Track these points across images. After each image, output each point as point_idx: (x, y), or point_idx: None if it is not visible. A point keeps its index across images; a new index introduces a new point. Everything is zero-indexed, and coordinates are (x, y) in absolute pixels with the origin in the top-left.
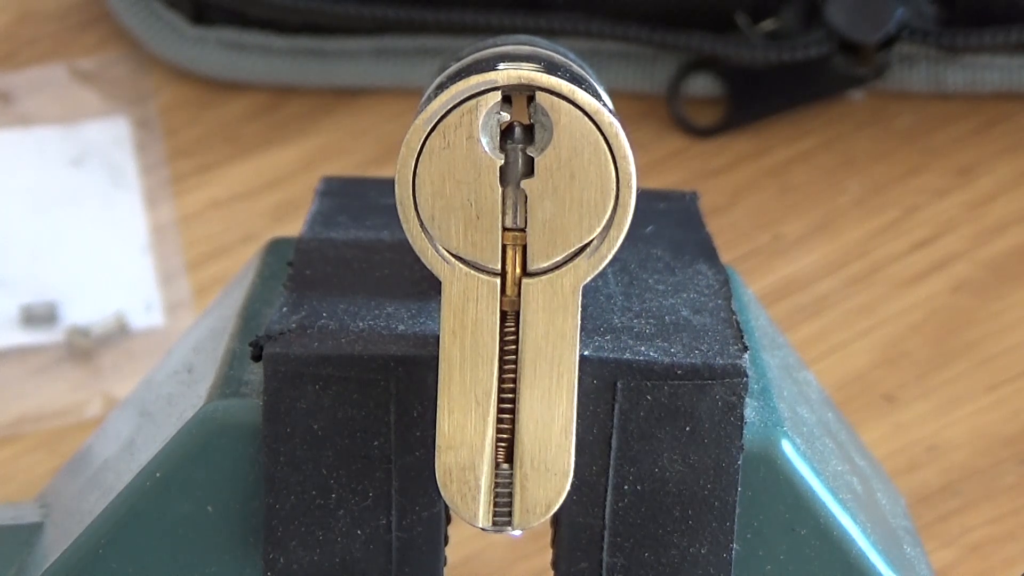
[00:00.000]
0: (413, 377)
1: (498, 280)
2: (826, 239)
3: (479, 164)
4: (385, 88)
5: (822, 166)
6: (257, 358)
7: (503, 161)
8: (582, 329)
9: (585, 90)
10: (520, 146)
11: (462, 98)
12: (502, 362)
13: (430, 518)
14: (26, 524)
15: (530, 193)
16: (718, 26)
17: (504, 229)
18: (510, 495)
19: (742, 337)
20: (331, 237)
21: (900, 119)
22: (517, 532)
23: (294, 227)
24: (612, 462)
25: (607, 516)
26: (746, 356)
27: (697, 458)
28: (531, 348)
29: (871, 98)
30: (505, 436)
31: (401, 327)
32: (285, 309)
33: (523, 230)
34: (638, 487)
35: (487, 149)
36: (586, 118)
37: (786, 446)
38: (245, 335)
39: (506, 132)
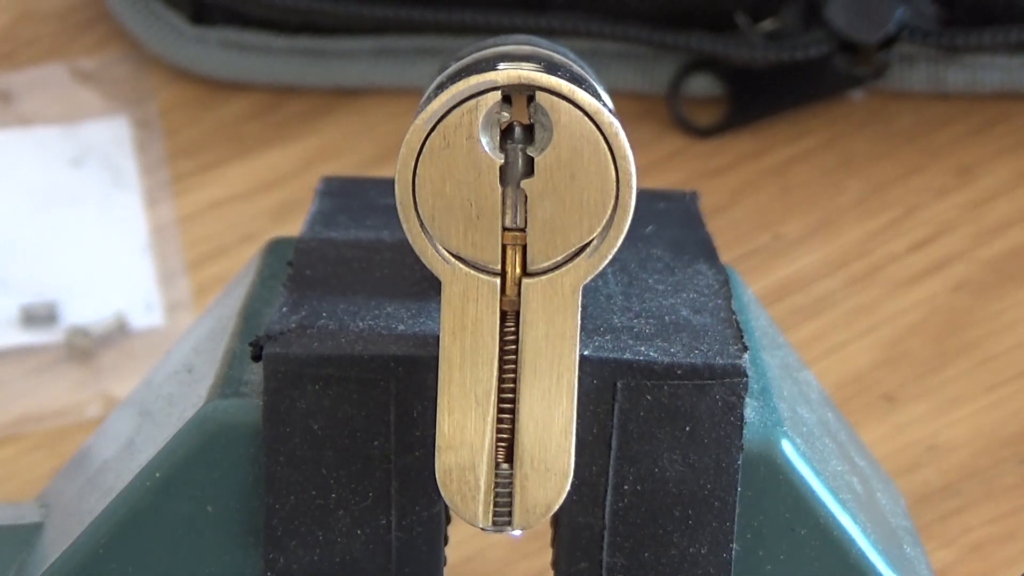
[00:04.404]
0: (413, 377)
1: (498, 280)
2: (826, 239)
3: (479, 164)
4: (385, 88)
5: (822, 166)
6: (257, 358)
7: (503, 161)
8: (582, 329)
9: (585, 90)
10: (520, 146)
11: (462, 98)
12: (502, 362)
13: (430, 518)
14: (26, 524)
15: (530, 193)
16: (718, 26)
17: (504, 229)
18: (510, 495)
19: (742, 337)
20: (331, 237)
21: (900, 119)
22: (517, 532)
23: (294, 227)
24: (612, 462)
25: (607, 516)
26: (746, 356)
27: (697, 458)
28: (531, 348)
29: (871, 98)
30: (505, 436)
31: (401, 327)
32: (285, 309)
33: (523, 230)
34: (638, 487)
35: (487, 149)
36: (586, 118)
37: (786, 446)
38: (245, 335)
39: (506, 132)
